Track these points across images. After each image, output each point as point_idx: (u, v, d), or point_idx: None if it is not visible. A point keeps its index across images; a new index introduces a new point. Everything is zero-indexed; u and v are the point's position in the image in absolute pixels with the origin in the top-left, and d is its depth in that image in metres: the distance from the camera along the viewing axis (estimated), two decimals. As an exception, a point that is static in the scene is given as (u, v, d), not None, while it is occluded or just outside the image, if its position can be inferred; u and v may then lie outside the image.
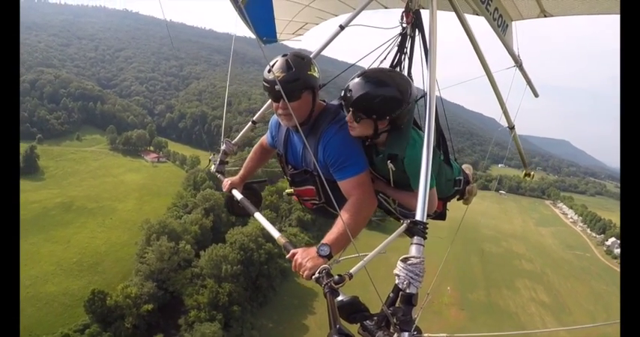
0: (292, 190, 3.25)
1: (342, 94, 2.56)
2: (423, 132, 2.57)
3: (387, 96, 2.47)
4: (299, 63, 2.59)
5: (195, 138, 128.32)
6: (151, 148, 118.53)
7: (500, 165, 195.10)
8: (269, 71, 2.55)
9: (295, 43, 5.58)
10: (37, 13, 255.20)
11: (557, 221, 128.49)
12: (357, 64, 3.33)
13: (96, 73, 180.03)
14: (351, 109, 2.51)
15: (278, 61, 2.57)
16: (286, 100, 2.33)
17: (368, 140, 2.68)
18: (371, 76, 2.54)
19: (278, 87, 2.40)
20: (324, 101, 2.89)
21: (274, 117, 3.15)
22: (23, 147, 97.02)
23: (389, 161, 2.62)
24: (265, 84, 2.61)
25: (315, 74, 2.66)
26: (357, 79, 2.53)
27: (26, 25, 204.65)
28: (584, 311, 70.73)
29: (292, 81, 2.53)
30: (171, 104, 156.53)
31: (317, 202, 3.08)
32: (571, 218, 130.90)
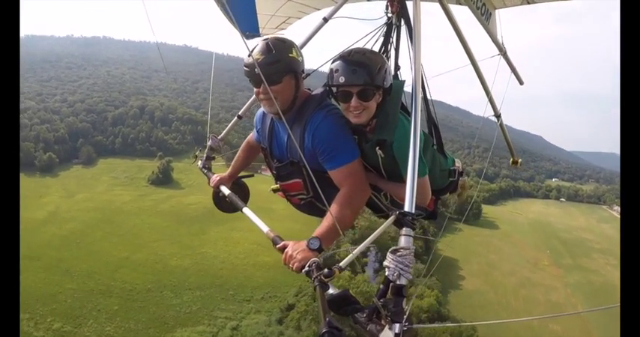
0: (278, 186, 3.15)
1: (343, 79, 2.45)
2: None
3: (383, 64, 2.52)
4: (279, 46, 2.53)
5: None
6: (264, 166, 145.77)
7: (554, 180, 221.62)
8: (249, 55, 2.46)
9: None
10: (108, 49, 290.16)
11: (616, 220, 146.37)
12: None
13: (184, 102, 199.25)
14: (360, 88, 2.44)
15: (258, 45, 2.52)
16: (266, 84, 2.30)
17: (369, 124, 2.61)
18: (358, 54, 2.54)
19: (258, 70, 2.35)
20: (308, 89, 2.81)
21: (259, 111, 3.12)
22: (151, 163, 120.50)
23: (377, 147, 2.58)
24: (245, 68, 2.53)
25: (298, 57, 2.60)
26: (344, 60, 2.49)
27: (102, 60, 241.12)
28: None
29: (272, 63, 2.45)
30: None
31: (304, 196, 2.95)
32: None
